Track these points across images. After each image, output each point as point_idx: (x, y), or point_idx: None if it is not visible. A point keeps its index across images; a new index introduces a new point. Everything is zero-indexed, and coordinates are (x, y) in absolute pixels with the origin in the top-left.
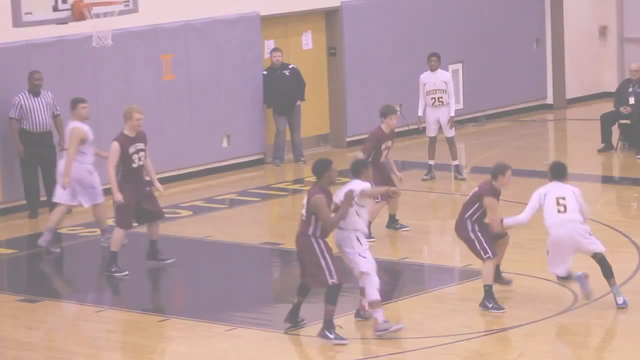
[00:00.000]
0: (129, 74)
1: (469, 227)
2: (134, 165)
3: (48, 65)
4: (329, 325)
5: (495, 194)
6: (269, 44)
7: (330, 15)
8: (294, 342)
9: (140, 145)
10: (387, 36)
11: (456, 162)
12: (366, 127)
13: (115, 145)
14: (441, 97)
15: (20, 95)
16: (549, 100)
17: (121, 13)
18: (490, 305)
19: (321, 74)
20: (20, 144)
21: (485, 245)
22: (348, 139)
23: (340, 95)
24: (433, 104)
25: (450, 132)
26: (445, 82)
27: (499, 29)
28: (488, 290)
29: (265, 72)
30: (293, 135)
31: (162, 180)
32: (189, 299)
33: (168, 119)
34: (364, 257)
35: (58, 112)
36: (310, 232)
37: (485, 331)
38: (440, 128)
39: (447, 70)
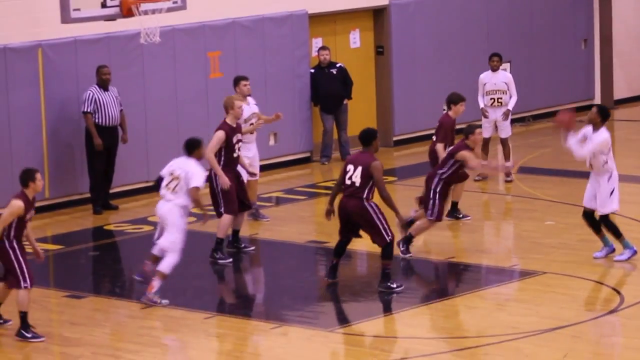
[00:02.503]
0: (177, 71)
1: (435, 182)
2: (235, 155)
3: (96, 62)
4: (387, 277)
5: (468, 149)
6: (317, 42)
7: (378, 14)
8: (339, 340)
9: (240, 136)
10: (435, 35)
11: (509, 164)
12: (413, 126)
13: (221, 134)
14: (500, 98)
15: (91, 90)
16: (597, 100)
17: (169, 10)
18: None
19: (369, 72)
20: (97, 137)
21: (437, 207)
22: (395, 138)
23: (388, 94)
24: (492, 104)
25: (504, 133)
26: (506, 83)
27: (547, 28)
28: None
29: (312, 71)
30: (340, 134)
31: (208, 178)
32: (235, 297)
33: (215, 117)
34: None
35: (122, 107)
36: (364, 195)
37: (531, 332)
38: (495, 129)
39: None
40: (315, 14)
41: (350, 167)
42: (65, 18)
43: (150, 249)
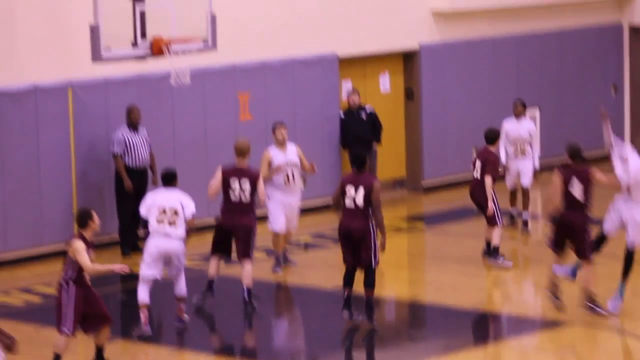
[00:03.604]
0: (206, 113)
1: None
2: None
3: (126, 103)
4: (372, 309)
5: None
6: (347, 85)
7: (408, 57)
8: None
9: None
10: (464, 79)
11: (527, 216)
12: (443, 171)
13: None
14: (524, 148)
15: (121, 130)
16: None
17: (200, 51)
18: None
19: (398, 116)
20: (128, 179)
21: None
22: (424, 183)
23: (417, 138)
24: (515, 153)
25: (526, 180)
26: (529, 133)
27: (577, 74)
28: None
29: (342, 114)
30: None
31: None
32: (263, 342)
33: None
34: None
35: (151, 149)
36: (369, 215)
37: None
38: (518, 177)
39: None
40: (345, 57)
41: (350, 188)
42: (96, 56)
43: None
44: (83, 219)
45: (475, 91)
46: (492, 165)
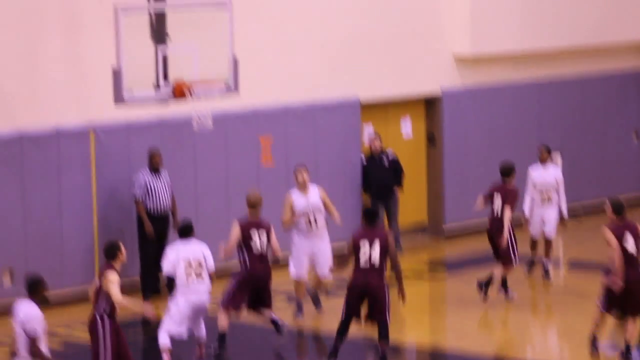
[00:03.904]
0: (228, 157)
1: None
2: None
3: (148, 147)
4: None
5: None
6: (369, 130)
7: (430, 103)
8: None
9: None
10: (486, 125)
11: (548, 264)
12: (464, 216)
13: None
14: (550, 196)
15: (143, 174)
16: None
17: (222, 94)
18: None
19: (420, 161)
20: (149, 224)
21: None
22: (446, 228)
23: (439, 183)
24: (542, 201)
25: (551, 232)
26: (556, 180)
27: (598, 120)
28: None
29: (364, 159)
30: (390, 223)
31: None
32: None
33: (266, 203)
34: None
35: (172, 193)
36: (384, 271)
37: None
38: (542, 225)
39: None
40: (367, 101)
41: (365, 244)
42: (119, 99)
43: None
44: (112, 251)
45: (497, 136)
46: (512, 197)
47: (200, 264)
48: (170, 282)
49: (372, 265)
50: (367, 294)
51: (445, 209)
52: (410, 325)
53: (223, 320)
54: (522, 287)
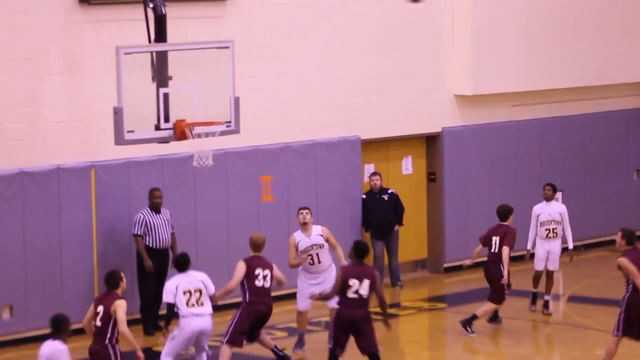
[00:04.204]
0: (229, 194)
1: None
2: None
3: (148, 184)
4: None
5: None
6: (369, 168)
7: (430, 140)
8: None
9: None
10: (487, 162)
11: (548, 297)
12: (464, 253)
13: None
14: (555, 229)
15: (143, 212)
16: None
17: (223, 134)
18: None
19: (420, 199)
20: (148, 259)
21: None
22: (445, 265)
23: (439, 220)
24: (547, 235)
25: (552, 265)
26: (560, 214)
27: (600, 158)
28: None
29: (364, 196)
30: (390, 260)
31: None
32: None
33: (267, 240)
34: None
35: (173, 230)
36: (368, 303)
37: None
38: (546, 260)
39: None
40: (367, 140)
41: (355, 282)
42: (119, 140)
43: None
44: (115, 280)
45: (497, 174)
46: (511, 237)
47: (200, 291)
48: (171, 310)
49: (360, 299)
50: (356, 326)
51: (445, 246)
52: (409, 359)
53: (225, 356)
54: (521, 321)
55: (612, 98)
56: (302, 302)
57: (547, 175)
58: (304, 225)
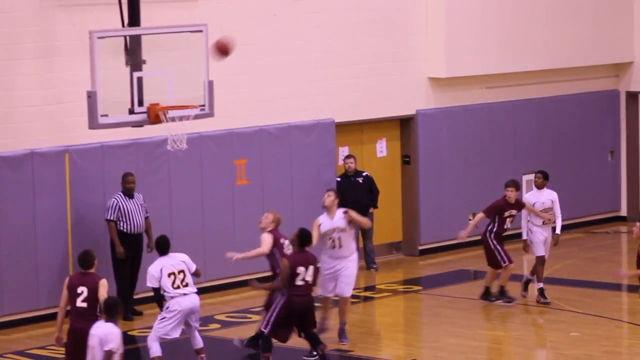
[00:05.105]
0: (203, 178)
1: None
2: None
3: (122, 167)
4: None
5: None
6: (343, 151)
7: (405, 123)
8: None
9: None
10: (461, 145)
11: (541, 285)
12: (439, 235)
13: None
14: (551, 216)
15: (116, 197)
16: (623, 212)
17: (197, 117)
18: None
19: (395, 181)
20: (120, 245)
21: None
22: (420, 248)
23: (414, 203)
24: (542, 223)
25: (545, 252)
26: (552, 201)
27: (574, 140)
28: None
29: (338, 179)
30: (365, 243)
31: (233, 285)
32: None
33: (241, 224)
34: None
35: (147, 214)
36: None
37: None
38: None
39: (521, 180)
40: (341, 122)
41: (302, 269)
42: (93, 124)
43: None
44: (90, 260)
45: (471, 156)
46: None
47: (183, 272)
48: (157, 294)
49: (307, 285)
50: (306, 312)
51: (420, 228)
52: (385, 340)
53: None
54: (496, 303)
55: (585, 80)
56: (323, 288)
57: (520, 157)
58: (328, 208)
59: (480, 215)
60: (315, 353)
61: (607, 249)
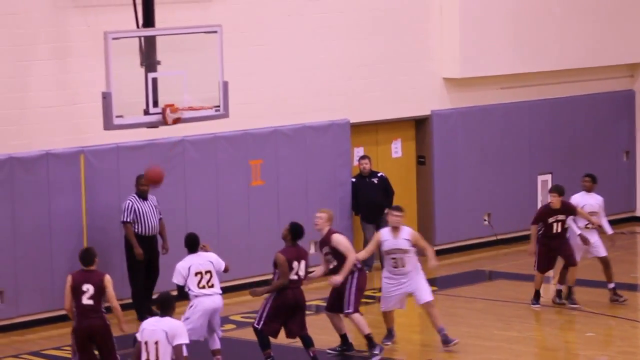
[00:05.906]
0: (218, 179)
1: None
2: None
3: (137, 168)
4: None
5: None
6: (358, 151)
7: (420, 124)
8: None
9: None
10: (476, 145)
11: (612, 285)
12: (454, 236)
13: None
14: (598, 220)
15: (131, 199)
16: (638, 212)
17: (212, 118)
18: None
19: (410, 182)
20: (138, 247)
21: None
22: (436, 248)
23: (429, 203)
24: (586, 226)
25: (602, 251)
26: (598, 204)
27: (589, 140)
28: None
29: (353, 180)
30: None
31: (248, 286)
32: None
33: (256, 224)
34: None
35: (161, 216)
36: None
37: None
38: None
39: (536, 180)
40: (356, 123)
41: (296, 264)
42: (108, 125)
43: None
44: (92, 257)
45: (486, 157)
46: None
47: (210, 273)
48: (181, 292)
49: (299, 279)
50: (297, 307)
51: (435, 228)
52: (401, 341)
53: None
54: (512, 304)
55: (601, 80)
56: (385, 303)
57: (536, 158)
58: (392, 227)
59: (532, 227)
60: (338, 348)
61: (622, 250)
